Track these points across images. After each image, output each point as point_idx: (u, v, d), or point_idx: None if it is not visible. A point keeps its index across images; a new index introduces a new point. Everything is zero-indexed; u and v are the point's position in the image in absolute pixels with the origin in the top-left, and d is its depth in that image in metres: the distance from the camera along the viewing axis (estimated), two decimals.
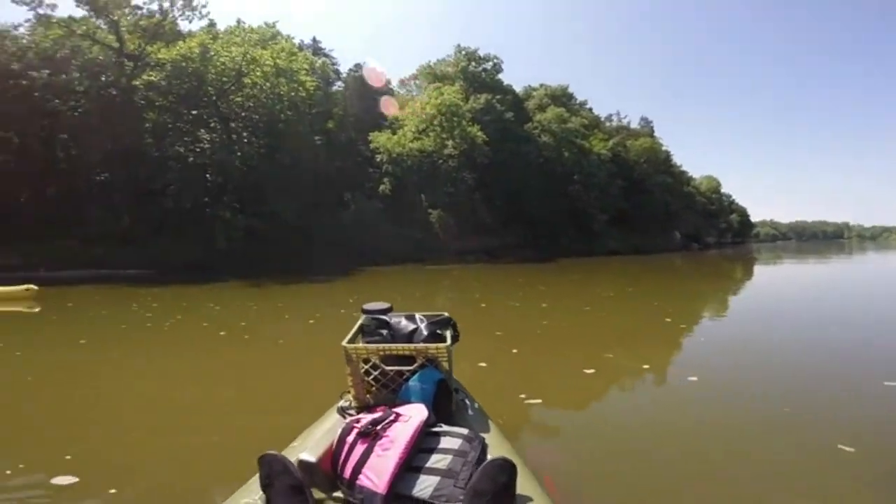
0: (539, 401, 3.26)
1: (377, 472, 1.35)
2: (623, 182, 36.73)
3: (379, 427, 1.46)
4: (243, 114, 20.82)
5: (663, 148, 46.45)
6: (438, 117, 24.94)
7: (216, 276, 14.41)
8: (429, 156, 25.02)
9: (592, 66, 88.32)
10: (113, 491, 2.10)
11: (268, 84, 20.25)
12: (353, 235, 21.29)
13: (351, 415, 1.77)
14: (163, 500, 2.13)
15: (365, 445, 1.43)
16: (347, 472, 1.40)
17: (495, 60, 32.20)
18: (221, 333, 6.21)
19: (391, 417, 1.49)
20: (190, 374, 4.35)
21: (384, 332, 2.08)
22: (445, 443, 1.44)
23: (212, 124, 20.18)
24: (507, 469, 1.23)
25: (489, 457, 1.37)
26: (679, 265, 23.11)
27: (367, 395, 1.93)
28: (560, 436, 2.82)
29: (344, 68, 30.67)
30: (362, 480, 1.36)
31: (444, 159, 25.17)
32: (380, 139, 24.05)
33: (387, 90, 23.64)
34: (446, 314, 2.22)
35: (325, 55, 29.81)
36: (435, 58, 34.85)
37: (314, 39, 30.29)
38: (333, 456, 1.47)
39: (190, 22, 21.85)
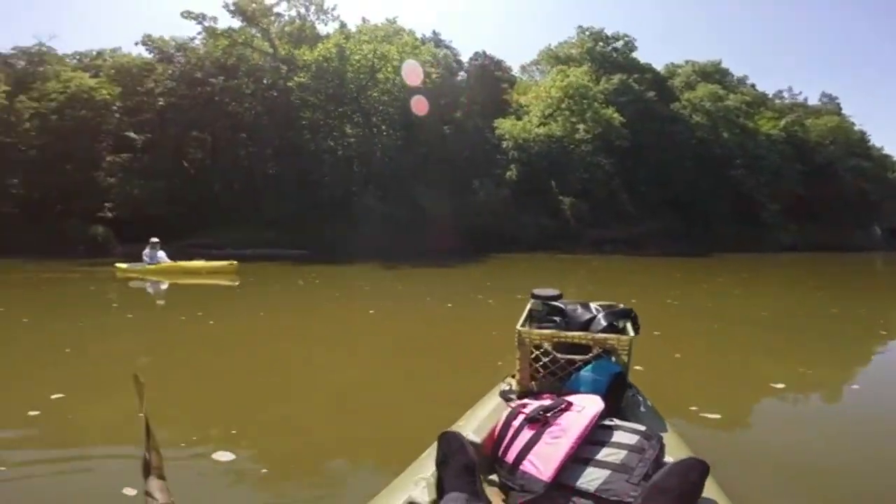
0: (717, 416, 2.85)
1: (544, 460, 1.33)
2: (802, 166, 30.95)
3: (549, 414, 1.44)
4: (380, 108, 22.12)
5: (856, 127, 37.98)
6: (566, 100, 23.70)
7: (361, 257, 15.36)
8: (558, 141, 23.90)
9: (750, 38, 74.92)
10: (264, 471, 2.14)
11: (398, 78, 21.31)
12: (481, 222, 21.35)
13: (513, 399, 1.74)
14: (323, 479, 2.19)
15: (533, 431, 1.42)
16: (510, 457, 1.40)
17: (626, 39, 29.72)
18: (371, 312, 6.63)
19: (562, 406, 1.47)
20: (348, 351, 4.56)
21: (557, 318, 2.04)
22: (619, 437, 1.40)
23: (355, 119, 21.83)
24: (699, 470, 1.19)
25: (668, 458, 1.35)
26: (881, 269, 18.71)
27: (533, 382, 1.91)
28: (749, 463, 2.33)
29: (465, 59, 30.70)
30: (526, 466, 1.35)
31: (577, 144, 23.86)
32: (504, 125, 23.61)
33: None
34: (622, 305, 2.13)
35: (447, 47, 30.08)
36: (556, 41, 33.07)
37: (434, 32, 30.70)
38: (496, 439, 1.48)
39: (325, 25, 23.87)
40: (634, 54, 30.62)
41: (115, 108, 20.42)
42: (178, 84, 21.05)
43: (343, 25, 24.32)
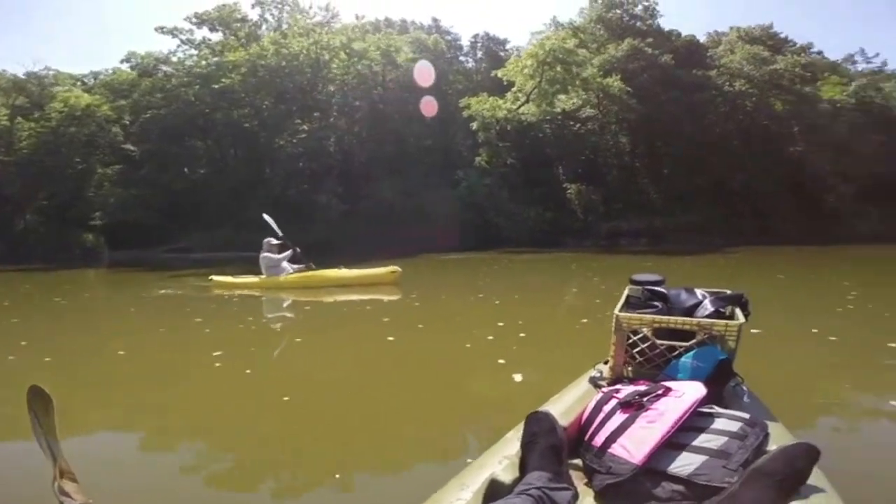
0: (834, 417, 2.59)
1: (636, 443, 1.35)
2: (882, 138, 26.14)
3: (645, 399, 1.47)
4: (333, 100, 21.34)
5: None
6: (545, 69, 20.33)
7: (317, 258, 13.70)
8: (553, 120, 21.13)
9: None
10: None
11: (355, 69, 20.56)
12: (464, 217, 19.10)
13: (603, 386, 1.78)
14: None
15: (626, 416, 1.44)
16: (598, 441, 1.43)
17: (646, 3, 26.48)
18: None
19: (660, 391, 1.50)
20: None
21: (658, 304, 2.07)
22: (720, 424, 1.39)
23: (314, 115, 21.05)
24: (810, 456, 1.18)
25: (773, 446, 1.34)
26: None
27: (627, 368, 1.93)
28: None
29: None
30: (615, 449, 1.37)
31: (581, 122, 21.00)
32: (475, 105, 20.60)
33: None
34: (729, 291, 2.14)
35: (447, 32, 29.58)
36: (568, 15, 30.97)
37: (434, 19, 30.27)
38: (584, 423, 1.54)
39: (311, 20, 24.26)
40: (661, 21, 27.44)
41: (110, 122, 21.97)
42: (162, 96, 21.70)
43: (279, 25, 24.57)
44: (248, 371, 3.66)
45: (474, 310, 6.21)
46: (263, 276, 8.10)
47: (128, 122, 22.26)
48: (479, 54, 30.71)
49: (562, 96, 21.18)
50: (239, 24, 23.95)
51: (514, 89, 21.49)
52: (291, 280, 7.96)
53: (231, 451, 2.49)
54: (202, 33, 23.99)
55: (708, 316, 1.92)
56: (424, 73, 22.09)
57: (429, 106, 21.15)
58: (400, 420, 2.78)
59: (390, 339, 4.57)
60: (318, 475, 2.22)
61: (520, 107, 21.23)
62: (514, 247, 17.57)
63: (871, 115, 26.76)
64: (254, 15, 24.97)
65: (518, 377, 3.14)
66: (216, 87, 20.08)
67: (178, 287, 9.22)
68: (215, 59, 21.83)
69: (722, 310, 1.99)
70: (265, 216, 8.55)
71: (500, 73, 21.30)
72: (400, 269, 8.06)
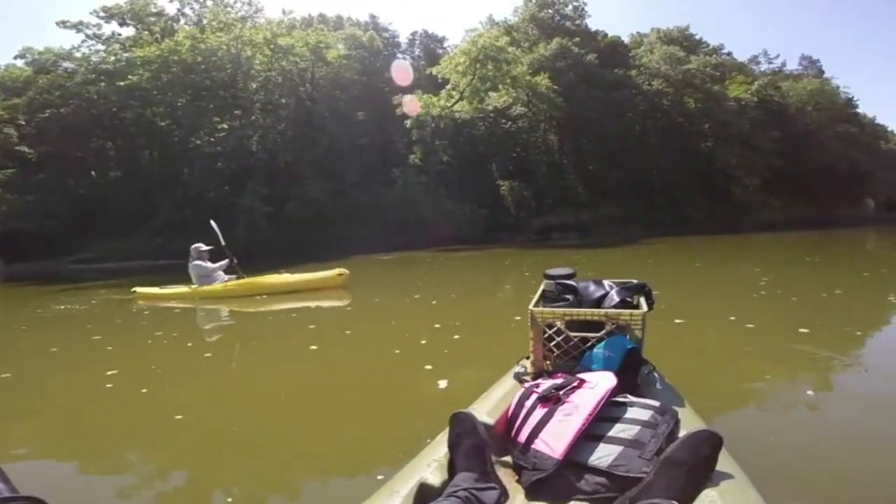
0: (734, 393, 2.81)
1: (555, 437, 1.38)
2: (779, 133, 28.79)
3: (562, 392, 1.49)
4: (255, 98, 20.44)
5: (840, 91, 36.08)
6: (477, 67, 20.64)
7: (260, 262, 12.94)
8: (485, 118, 21.46)
9: (726, 3, 73.41)
10: None
11: (280, 65, 19.85)
12: (397, 216, 18.92)
13: (527, 381, 1.81)
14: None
15: (545, 410, 1.47)
16: (523, 437, 1.45)
17: (576, 3, 27.68)
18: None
19: (574, 383, 1.52)
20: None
21: (570, 297, 2.12)
22: (633, 413, 1.43)
23: (234, 113, 20.02)
24: (712, 442, 1.19)
25: (682, 432, 1.37)
26: (872, 248, 16.01)
27: (546, 362, 1.97)
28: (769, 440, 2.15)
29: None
30: (538, 445, 1.39)
31: (512, 120, 21.46)
32: (407, 101, 20.79)
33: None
34: (635, 280, 2.20)
35: (385, 29, 29.45)
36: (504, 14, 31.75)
37: (371, 16, 30.07)
38: (509, 420, 1.56)
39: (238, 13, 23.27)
40: (589, 21, 28.92)
41: (2, 122, 19.96)
42: (59, 94, 19.87)
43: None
44: (144, 390, 3.35)
45: (410, 312, 6.09)
46: (195, 286, 7.47)
47: (23, 122, 20.45)
48: (418, 52, 30.77)
49: (493, 94, 21.53)
50: (154, 19, 22.59)
51: (447, 87, 21.56)
52: (229, 288, 7.36)
53: (103, 476, 2.31)
54: (112, 28, 22.32)
55: (615, 306, 1.98)
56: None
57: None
58: (313, 437, 2.61)
59: (313, 348, 4.34)
60: (209, 500, 2.04)
61: (454, 104, 21.31)
62: (450, 244, 17.61)
63: (770, 112, 29.39)
64: (172, 9, 23.68)
65: (443, 383, 3.07)
66: (122, 84, 18.57)
67: (82, 302, 8.38)
68: (126, 55, 20.23)
69: (629, 299, 2.05)
70: (212, 223, 7.90)
71: (434, 71, 21.29)
72: (347, 272, 7.72)
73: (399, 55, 29.07)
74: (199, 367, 4.07)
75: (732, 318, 4.61)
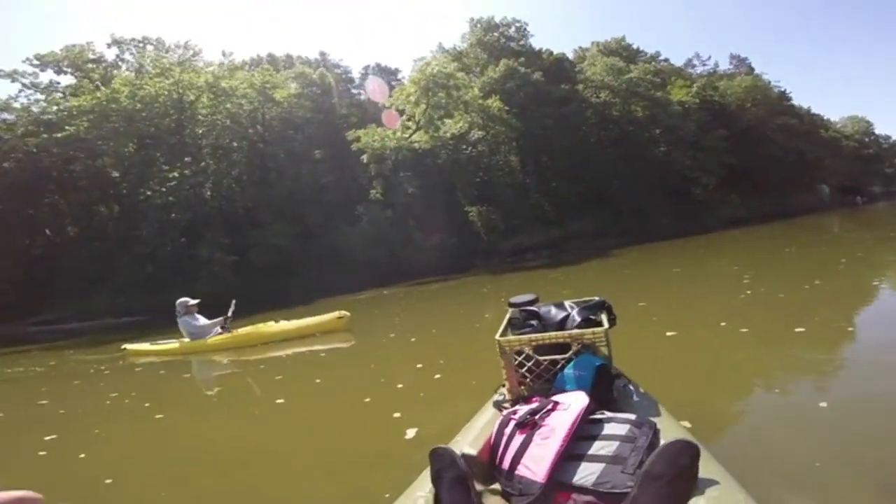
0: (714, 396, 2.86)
1: (536, 461, 1.40)
2: (726, 132, 29.99)
3: (537, 416, 1.52)
4: (203, 143, 19.83)
5: (772, 85, 38.11)
6: (429, 95, 20.75)
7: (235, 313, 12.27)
8: (445, 145, 21.41)
9: (656, 13, 79.18)
10: None
11: (225, 108, 19.40)
12: (366, 255, 18.46)
13: (506, 408, 1.82)
14: None
15: (524, 436, 1.49)
16: (506, 464, 1.47)
17: (518, 24, 28.54)
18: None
19: (549, 406, 1.55)
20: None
21: (534, 322, 2.17)
22: (610, 429, 1.45)
23: (184, 160, 19.34)
24: (689, 451, 1.20)
25: (662, 442, 1.37)
26: (839, 231, 16.53)
27: (522, 388, 2.00)
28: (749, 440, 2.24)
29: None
30: (521, 470, 1.41)
31: (472, 145, 21.55)
32: (363, 137, 20.25)
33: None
34: (596, 298, 2.26)
35: (336, 65, 29.74)
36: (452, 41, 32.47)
37: (321, 53, 30.57)
38: (492, 448, 1.56)
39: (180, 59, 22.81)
40: (532, 41, 29.68)
41: None
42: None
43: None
44: (81, 455, 3.24)
45: (386, 353, 5.68)
46: (186, 341, 7.17)
47: None
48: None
49: (449, 121, 21.57)
50: (93, 66, 21.91)
51: (403, 118, 21.51)
52: (223, 341, 6.95)
53: None
54: (49, 76, 21.47)
55: (577, 326, 2.03)
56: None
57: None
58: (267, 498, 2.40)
59: (279, 401, 3.97)
60: None
61: (411, 135, 21.23)
62: (424, 276, 17.18)
63: (713, 112, 30.68)
64: (111, 55, 23.14)
65: (411, 432, 2.82)
66: (59, 136, 17.74)
67: (41, 364, 7.92)
68: (68, 104, 19.45)
69: (592, 317, 2.10)
70: (234, 302, 7.42)
71: (387, 104, 21.26)
72: (348, 314, 7.35)
73: (354, 90, 29.21)
74: (147, 429, 3.79)
75: (723, 323, 4.47)
